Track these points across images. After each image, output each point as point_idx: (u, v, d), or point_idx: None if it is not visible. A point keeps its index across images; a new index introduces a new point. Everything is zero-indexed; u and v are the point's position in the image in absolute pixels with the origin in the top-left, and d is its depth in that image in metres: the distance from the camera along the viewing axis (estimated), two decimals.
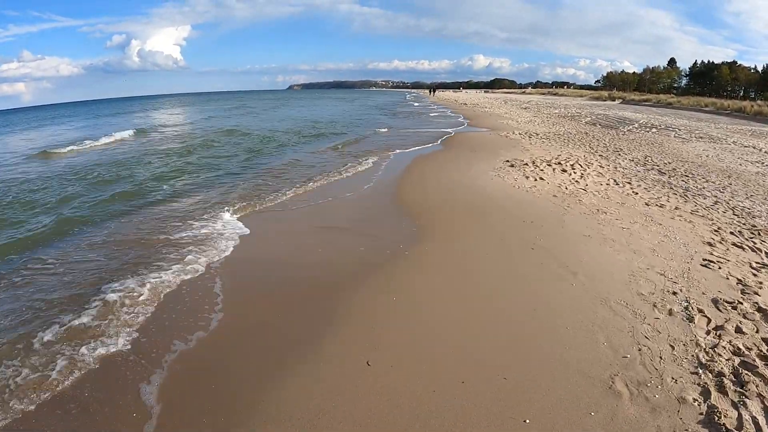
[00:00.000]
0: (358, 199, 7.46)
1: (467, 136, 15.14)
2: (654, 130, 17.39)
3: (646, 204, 6.81)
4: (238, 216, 6.47)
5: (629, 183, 8.18)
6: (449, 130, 17.45)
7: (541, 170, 8.96)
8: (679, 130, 17.18)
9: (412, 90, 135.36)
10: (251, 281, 4.43)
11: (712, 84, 55.33)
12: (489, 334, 3.37)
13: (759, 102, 33.38)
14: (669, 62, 62.66)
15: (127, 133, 19.14)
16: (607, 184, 7.98)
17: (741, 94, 53.49)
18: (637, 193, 7.44)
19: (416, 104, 43.48)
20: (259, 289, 4.24)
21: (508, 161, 9.98)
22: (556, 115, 24.89)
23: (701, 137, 15.32)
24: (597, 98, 54.84)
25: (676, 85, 62.13)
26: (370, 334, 3.39)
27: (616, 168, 9.57)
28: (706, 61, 56.69)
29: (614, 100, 50.38)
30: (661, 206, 6.75)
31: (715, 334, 3.46)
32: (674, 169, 9.68)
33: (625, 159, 10.81)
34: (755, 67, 51.02)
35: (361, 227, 5.91)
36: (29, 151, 14.99)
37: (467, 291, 4.04)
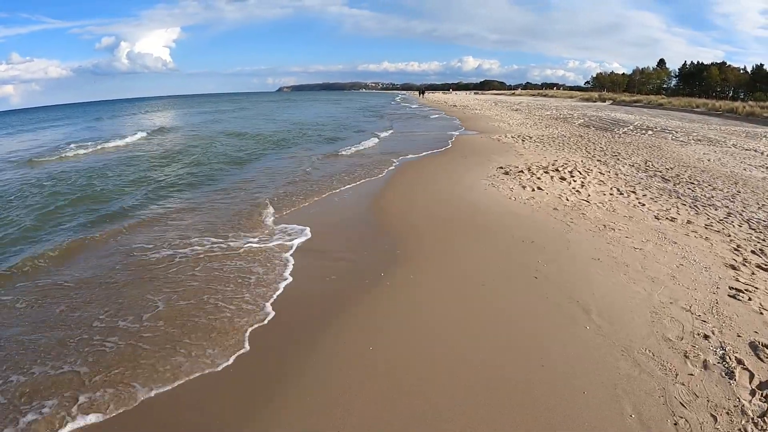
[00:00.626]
0: (342, 218, 6.76)
1: (457, 140, 14.49)
2: (650, 132, 16.92)
3: (656, 217, 6.19)
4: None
5: (634, 192, 7.58)
6: (450, 133, 16.82)
7: (538, 178, 8.32)
8: (676, 132, 16.74)
9: (402, 92, 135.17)
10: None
11: (702, 85, 55.57)
12: (483, 401, 2.67)
13: (750, 103, 33.33)
14: (658, 63, 62.91)
15: (139, 136, 18.76)
16: (611, 194, 7.36)
17: (730, 94, 53.76)
18: (644, 204, 6.83)
19: (412, 106, 42.89)
20: None
21: (501, 168, 9.34)
22: (547, 116, 24.41)
23: (699, 140, 14.86)
24: (587, 99, 54.75)
25: (665, 85, 62.36)
26: (338, 403, 2.68)
27: (617, 175, 8.97)
28: (696, 62, 56.92)
29: (604, 101, 50.27)
30: (672, 220, 6.14)
31: (762, 395, 2.82)
32: (678, 176, 9.11)
33: (625, 164, 10.23)
34: (744, 67, 51.28)
35: (336, 249, 5.20)
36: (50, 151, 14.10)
37: (456, 336, 3.35)
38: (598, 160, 10.65)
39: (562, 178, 8.32)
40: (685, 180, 8.75)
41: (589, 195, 7.21)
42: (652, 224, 5.92)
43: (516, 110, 30.39)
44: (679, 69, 59.49)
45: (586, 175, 8.73)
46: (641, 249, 4.99)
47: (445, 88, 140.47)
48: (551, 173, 8.79)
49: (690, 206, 6.88)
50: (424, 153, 11.93)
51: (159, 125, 25.49)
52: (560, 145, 13.10)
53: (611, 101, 49.48)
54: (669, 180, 8.71)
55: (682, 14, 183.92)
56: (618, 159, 10.94)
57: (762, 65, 48.55)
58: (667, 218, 6.21)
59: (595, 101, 51.75)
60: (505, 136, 14.79)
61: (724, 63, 53.16)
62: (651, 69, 63.81)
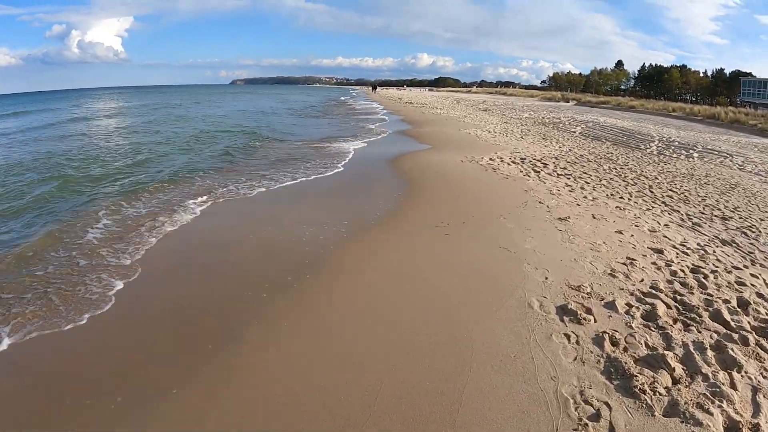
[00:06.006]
0: None
1: (412, 171, 8.27)
2: (693, 153, 11.66)
3: None
4: None
5: None
6: (400, 150, 10.56)
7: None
8: (732, 156, 11.56)
9: (356, 87, 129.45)
10: None
11: (660, 87, 53.73)
12: None
13: (732, 109, 30.27)
14: (617, 64, 60.87)
15: None
16: None
17: (688, 97, 52.33)
18: None
19: (359, 103, 36.41)
20: None
21: (582, 326, 3.19)
22: (530, 120, 18.94)
23: None
24: (549, 99, 51.09)
25: (623, 87, 60.44)
26: None
27: None
28: (654, 64, 55.07)
29: (568, 102, 46.68)
30: None
31: None
32: None
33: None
34: (705, 71, 49.67)
35: None
36: None
37: None
38: (728, 242, 4.88)
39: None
40: None
41: None
42: None
43: (485, 110, 24.86)
44: (638, 71, 57.51)
45: None
46: None
47: (399, 84, 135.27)
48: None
49: None
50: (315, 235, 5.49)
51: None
52: (602, 181, 7.30)
53: (575, 102, 45.92)
54: None
55: (635, 18, 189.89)
56: (743, 230, 5.27)
57: (722, 69, 47.01)
58: None
59: (558, 101, 48.05)
60: (499, 158, 8.77)
61: (684, 66, 51.41)
62: (609, 70, 61.61)
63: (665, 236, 4.88)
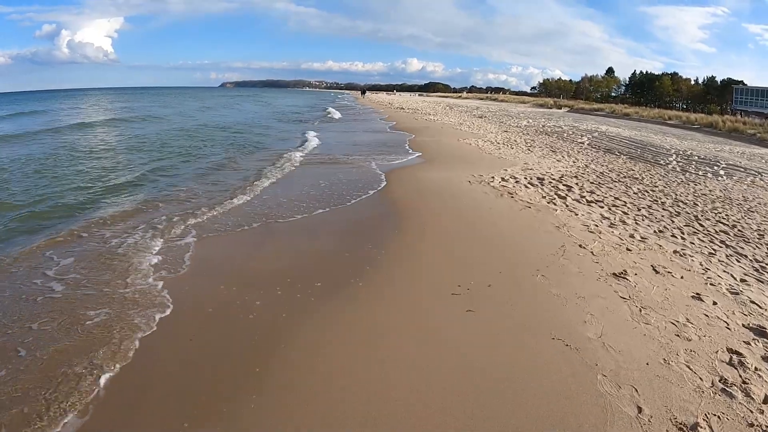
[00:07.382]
0: None
1: (416, 191, 6.97)
2: (720, 170, 10.58)
3: None
4: None
5: None
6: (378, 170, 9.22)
7: None
8: (761, 174, 10.50)
9: (345, 91, 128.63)
10: None
11: (651, 94, 53.50)
12: None
13: (729, 117, 29.72)
14: (607, 71, 60.64)
15: None
16: None
17: (679, 105, 52.16)
18: None
19: (346, 105, 35.14)
20: None
21: None
22: (531, 129, 17.83)
23: None
24: (541, 105, 50.48)
25: (614, 94, 60.20)
26: None
27: None
28: (645, 71, 54.89)
29: (560, 108, 46.04)
30: None
31: None
32: None
33: None
34: (696, 79, 49.53)
35: None
36: None
37: None
38: None
39: None
40: None
41: None
42: None
43: (481, 117, 23.76)
44: (629, 78, 57.27)
45: None
46: None
47: (389, 89, 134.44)
48: None
49: None
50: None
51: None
52: (642, 212, 6.10)
53: (568, 108, 45.27)
54: None
55: (623, 25, 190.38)
56: None
57: (714, 77, 46.84)
58: None
59: (550, 108, 47.42)
60: (513, 178, 7.51)
61: (675, 73, 51.26)
62: (600, 77, 61.36)
63: (753, 302, 3.66)
